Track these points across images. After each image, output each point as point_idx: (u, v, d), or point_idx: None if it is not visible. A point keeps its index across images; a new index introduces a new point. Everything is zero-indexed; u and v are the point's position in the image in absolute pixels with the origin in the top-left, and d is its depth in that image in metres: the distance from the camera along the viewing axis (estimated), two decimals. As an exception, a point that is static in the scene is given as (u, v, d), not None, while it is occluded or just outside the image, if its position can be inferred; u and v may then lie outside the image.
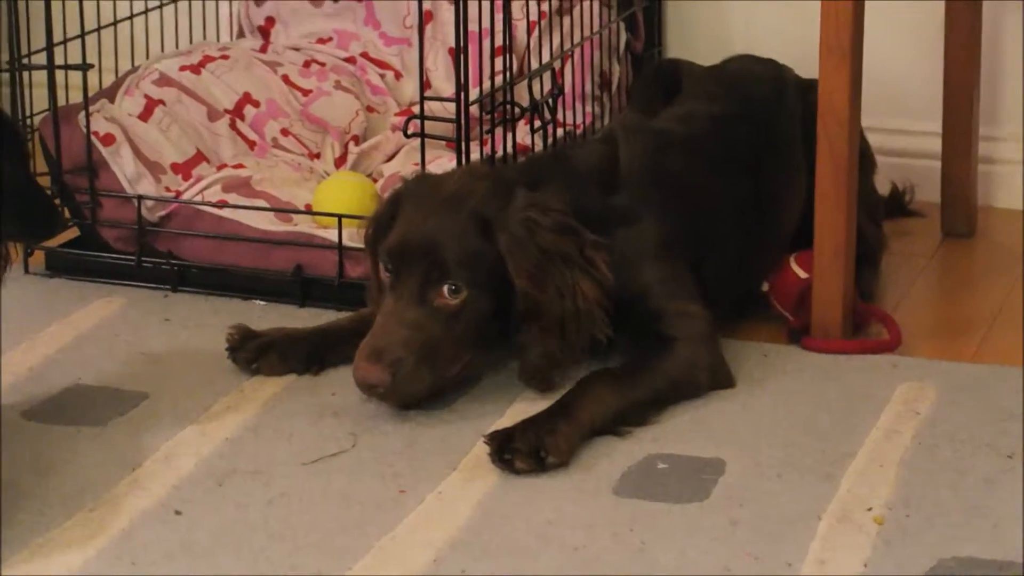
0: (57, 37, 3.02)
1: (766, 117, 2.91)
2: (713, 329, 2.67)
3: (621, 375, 2.59)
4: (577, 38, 3.24)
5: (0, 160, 2.30)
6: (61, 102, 3.06)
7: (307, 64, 3.40)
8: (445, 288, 2.56)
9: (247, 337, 2.71)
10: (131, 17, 3.28)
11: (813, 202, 2.78)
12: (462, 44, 2.82)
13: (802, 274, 2.83)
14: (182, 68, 3.26)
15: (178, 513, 2.32)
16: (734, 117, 2.89)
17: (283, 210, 3.03)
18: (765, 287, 2.87)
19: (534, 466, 2.41)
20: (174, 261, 3.02)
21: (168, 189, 3.08)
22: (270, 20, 3.52)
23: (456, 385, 2.63)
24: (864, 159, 2.94)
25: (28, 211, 2.38)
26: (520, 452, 2.41)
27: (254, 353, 2.69)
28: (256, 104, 3.28)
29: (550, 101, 3.12)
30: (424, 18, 3.09)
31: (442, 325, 2.56)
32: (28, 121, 3.08)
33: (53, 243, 3.07)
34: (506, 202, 2.58)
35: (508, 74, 2.99)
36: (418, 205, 2.61)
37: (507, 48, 2.98)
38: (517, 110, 3.02)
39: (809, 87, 2.91)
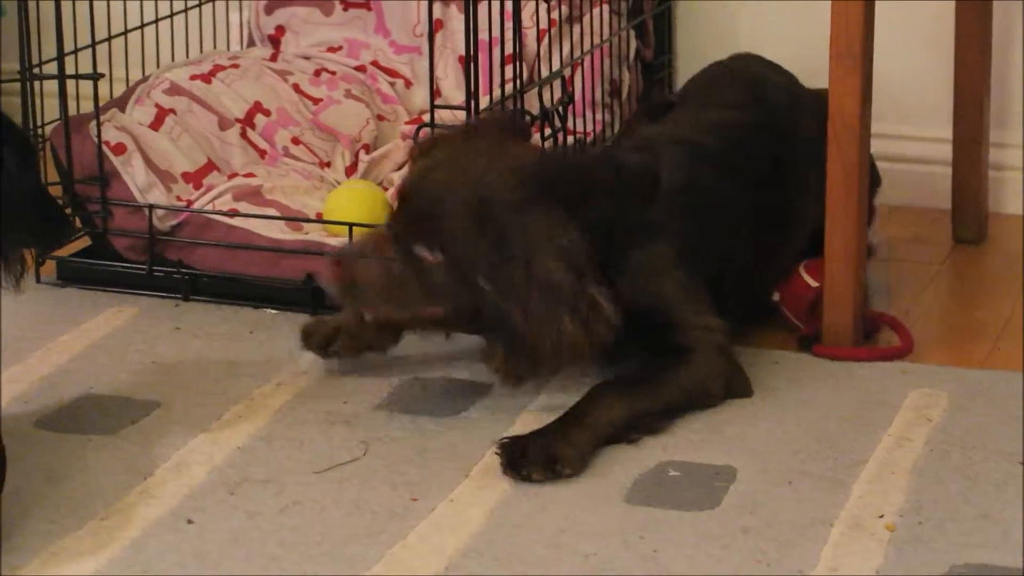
0: (68, 47, 3.03)
1: (787, 127, 2.90)
2: (729, 341, 2.66)
3: (633, 384, 2.58)
4: (587, 46, 3.25)
5: (10, 169, 2.31)
6: (72, 112, 3.06)
7: (317, 73, 3.40)
8: (427, 250, 2.54)
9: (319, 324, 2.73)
10: (142, 27, 3.28)
11: (823, 211, 2.78)
12: (472, 52, 2.83)
13: (813, 283, 2.83)
14: (192, 77, 3.27)
15: (190, 522, 2.32)
16: (760, 127, 2.87)
17: (294, 219, 3.03)
18: (776, 296, 2.87)
19: (548, 476, 2.41)
20: (185, 270, 3.02)
21: (179, 198, 3.09)
22: (280, 29, 3.52)
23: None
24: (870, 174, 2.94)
25: (38, 219, 2.38)
26: (535, 463, 2.42)
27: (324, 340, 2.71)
28: (267, 113, 3.28)
29: (560, 109, 3.12)
30: (434, 26, 3.10)
31: (414, 275, 2.55)
32: (39, 131, 3.08)
33: (64, 253, 3.08)
34: (527, 208, 2.52)
35: (518, 82, 2.99)
36: (449, 158, 2.59)
37: (517, 56, 2.98)
38: (528, 118, 3.03)
39: (816, 96, 2.91)
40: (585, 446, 2.47)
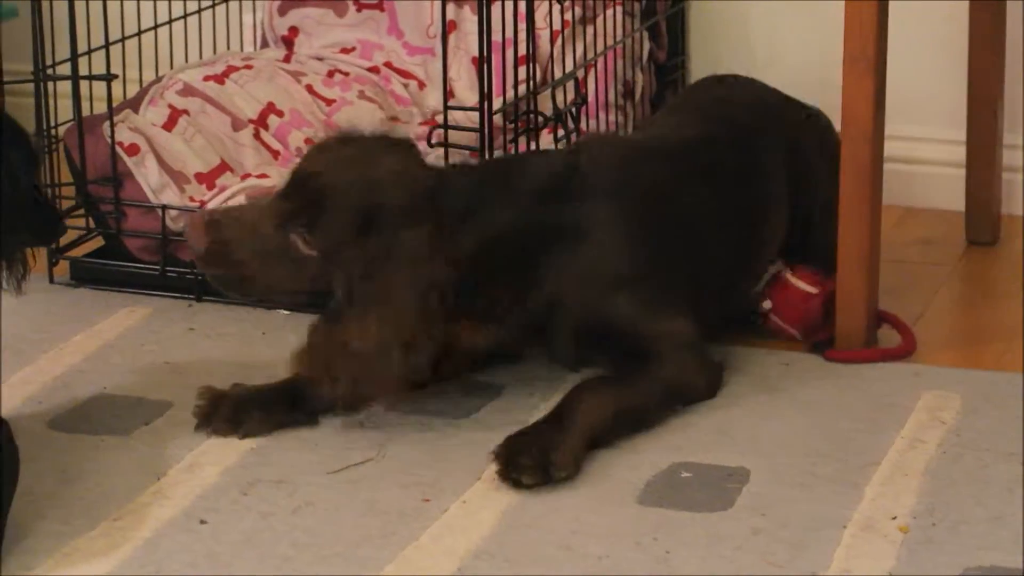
0: (81, 47, 3.03)
1: (745, 141, 2.86)
2: (697, 338, 2.65)
3: (614, 382, 2.58)
4: (600, 47, 3.25)
5: (13, 173, 2.31)
6: (85, 112, 3.07)
7: (330, 74, 3.41)
8: (302, 232, 2.55)
9: (216, 399, 2.60)
10: (155, 27, 3.29)
11: (794, 228, 2.81)
12: (485, 53, 2.83)
13: (812, 289, 2.82)
14: (206, 78, 3.27)
15: (203, 522, 2.33)
16: (711, 139, 2.84)
17: (307, 220, 3.03)
18: (767, 305, 2.85)
19: (542, 480, 2.40)
20: (198, 271, 3.02)
21: (192, 199, 3.09)
22: (293, 30, 3.53)
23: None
24: None
25: (34, 218, 2.39)
26: (527, 468, 2.41)
27: (230, 412, 2.58)
28: (280, 114, 3.28)
29: (573, 110, 3.12)
30: (447, 28, 3.10)
31: (285, 256, 2.56)
32: (52, 131, 3.09)
33: (77, 253, 3.09)
34: (408, 225, 2.52)
35: (531, 83, 2.99)
36: (340, 150, 2.61)
37: (530, 57, 2.98)
38: (540, 119, 3.03)
39: (796, 111, 2.93)
40: (577, 447, 2.46)
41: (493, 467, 2.43)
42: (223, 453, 2.50)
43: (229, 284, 2.62)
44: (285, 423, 2.57)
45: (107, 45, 3.07)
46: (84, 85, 3.05)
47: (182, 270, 3.02)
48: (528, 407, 2.62)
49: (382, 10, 3.49)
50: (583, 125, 3.19)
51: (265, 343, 2.86)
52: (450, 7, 3.36)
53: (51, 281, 3.09)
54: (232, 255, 2.57)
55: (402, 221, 2.53)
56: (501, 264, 2.59)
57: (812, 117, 2.99)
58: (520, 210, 2.61)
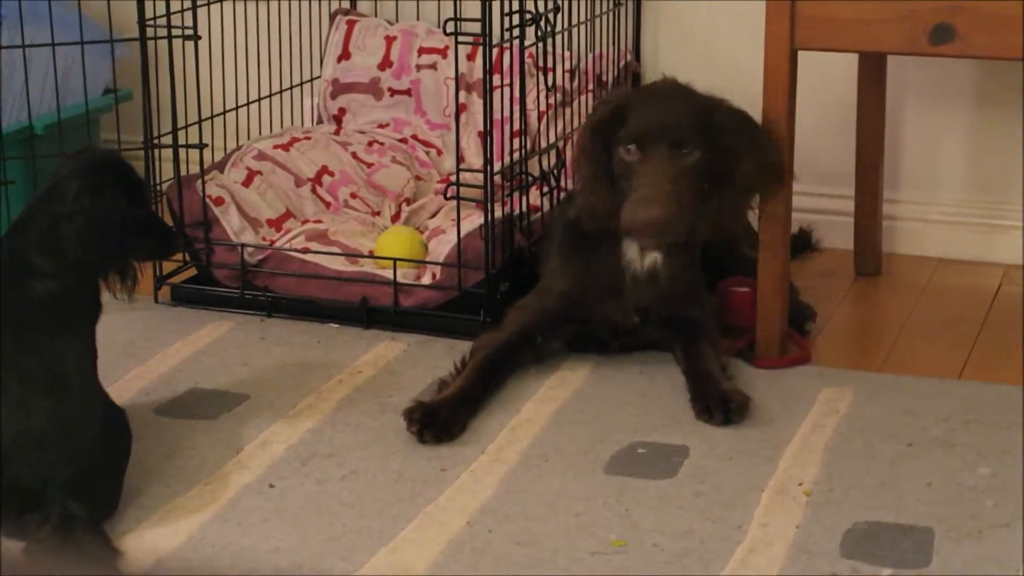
0: (180, 123, 3.03)
1: None
2: None
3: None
4: (576, 124, 3.24)
5: (128, 202, 2.31)
6: (183, 172, 3.07)
7: (370, 144, 3.40)
8: (684, 151, 2.57)
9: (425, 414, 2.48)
10: (236, 108, 3.29)
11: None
12: (488, 128, 2.83)
13: (745, 288, 2.83)
14: (275, 147, 3.27)
15: (272, 486, 2.32)
16: None
17: (352, 255, 3.03)
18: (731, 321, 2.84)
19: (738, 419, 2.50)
20: (269, 294, 3.02)
21: (264, 239, 3.09)
22: (342, 110, 3.53)
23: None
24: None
25: (153, 238, 2.38)
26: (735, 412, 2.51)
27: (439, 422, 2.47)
28: (332, 174, 3.28)
29: (555, 172, 3.12)
30: (460, 109, 3.10)
31: (685, 178, 2.56)
32: (157, 187, 3.08)
33: (177, 280, 3.08)
34: (711, 100, 2.64)
35: (523, 151, 2.99)
36: (648, 102, 2.64)
37: (522, 131, 2.98)
38: (530, 178, 3.03)
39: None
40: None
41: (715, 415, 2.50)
42: (288, 434, 2.49)
43: (678, 233, 2.58)
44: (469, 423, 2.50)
45: (200, 121, 3.07)
46: (182, 152, 3.04)
47: (257, 293, 3.02)
48: (522, 397, 2.61)
49: (410, 95, 3.48)
50: (563, 183, 3.19)
51: (321, 349, 2.85)
52: (461, 93, 3.36)
53: (156, 301, 3.08)
54: (671, 209, 2.53)
55: (725, 105, 2.64)
56: None
57: None
58: None
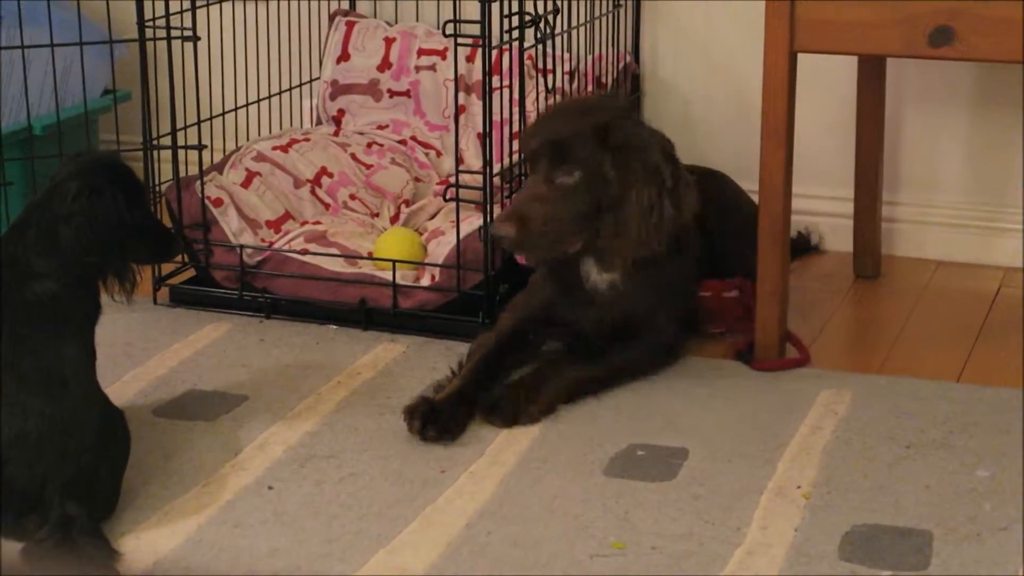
0: (179, 124, 3.03)
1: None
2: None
3: (589, 360, 2.63)
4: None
5: (128, 204, 2.31)
6: (182, 174, 3.07)
7: (369, 145, 3.41)
8: (564, 170, 2.55)
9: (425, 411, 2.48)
10: (235, 109, 3.29)
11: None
12: (488, 130, 2.83)
13: (734, 293, 2.83)
14: (274, 148, 3.27)
15: (270, 488, 2.32)
16: None
17: (351, 256, 3.03)
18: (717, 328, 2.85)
19: (510, 425, 2.49)
20: (268, 295, 3.02)
21: (263, 240, 3.09)
22: (341, 112, 3.53)
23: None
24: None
25: (153, 240, 2.38)
26: (499, 417, 2.48)
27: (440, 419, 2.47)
28: (331, 175, 3.28)
29: (555, 174, 3.11)
30: (459, 110, 3.10)
31: (561, 199, 2.54)
32: (157, 188, 3.08)
33: (175, 281, 3.08)
34: (625, 120, 2.59)
35: (522, 153, 2.99)
36: (543, 119, 2.64)
37: (522, 133, 2.98)
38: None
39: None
40: (543, 406, 2.52)
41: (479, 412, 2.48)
42: (286, 435, 2.49)
43: (541, 250, 2.59)
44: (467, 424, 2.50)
45: (199, 122, 3.07)
46: (181, 153, 3.04)
47: (256, 294, 3.02)
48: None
49: (409, 97, 3.49)
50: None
51: (319, 350, 2.85)
52: (460, 94, 3.37)
53: (155, 302, 3.08)
54: (532, 226, 2.53)
55: (623, 118, 2.58)
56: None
57: (711, 177, 3.01)
58: None
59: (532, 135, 2.64)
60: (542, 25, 2.93)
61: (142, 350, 2.83)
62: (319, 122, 3.56)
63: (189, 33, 2.95)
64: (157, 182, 3.09)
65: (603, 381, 2.62)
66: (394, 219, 3.25)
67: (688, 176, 2.60)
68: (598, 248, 2.61)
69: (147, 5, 2.96)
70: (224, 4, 3.36)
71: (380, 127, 3.49)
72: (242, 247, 3.03)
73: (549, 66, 3.08)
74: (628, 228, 2.57)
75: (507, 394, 2.52)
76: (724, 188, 3.05)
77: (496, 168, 2.91)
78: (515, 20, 2.84)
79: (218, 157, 3.28)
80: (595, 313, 2.69)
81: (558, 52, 3.17)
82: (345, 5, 3.61)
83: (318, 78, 3.54)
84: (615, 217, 2.57)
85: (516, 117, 2.95)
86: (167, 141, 3.03)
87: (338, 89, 3.51)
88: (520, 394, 2.52)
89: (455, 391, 2.53)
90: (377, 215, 3.27)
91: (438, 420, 2.45)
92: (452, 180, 2.95)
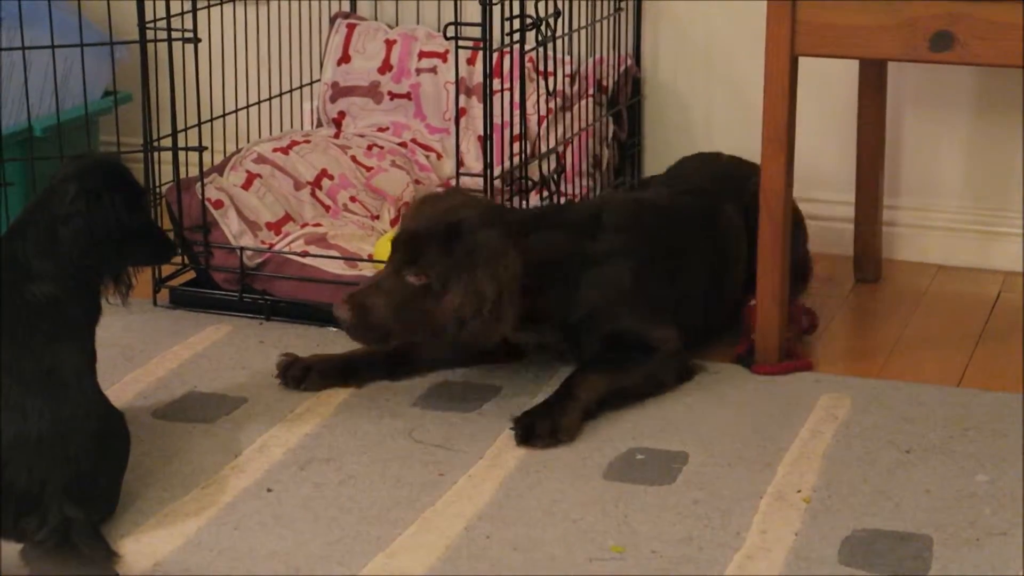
0: (179, 126, 3.03)
1: (715, 203, 2.87)
2: (679, 343, 2.66)
3: (610, 368, 2.59)
4: (575, 129, 3.25)
5: (121, 211, 2.31)
6: (182, 175, 3.07)
7: (370, 147, 3.41)
8: (413, 272, 2.53)
9: (293, 362, 2.68)
10: (236, 111, 3.29)
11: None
12: (488, 133, 2.83)
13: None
14: (275, 150, 3.27)
15: (270, 491, 2.32)
16: (693, 199, 2.86)
17: (351, 258, 3.03)
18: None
19: (553, 444, 2.44)
20: (268, 297, 3.02)
21: (263, 242, 3.09)
22: (342, 114, 3.53)
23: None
24: (799, 227, 2.94)
25: (149, 243, 2.38)
26: (542, 437, 2.44)
27: (300, 373, 2.66)
28: (331, 177, 3.28)
29: (555, 177, 3.12)
30: (460, 113, 3.11)
31: (402, 298, 2.52)
32: (157, 190, 3.08)
33: (175, 283, 3.08)
34: (482, 228, 2.52)
35: (523, 156, 3.00)
36: (422, 209, 2.60)
37: (522, 136, 2.98)
38: (530, 183, 3.03)
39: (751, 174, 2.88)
40: (577, 418, 2.48)
41: (513, 433, 2.45)
42: (286, 437, 2.49)
43: (373, 340, 2.60)
44: (335, 384, 2.63)
45: (199, 124, 3.07)
46: (182, 155, 3.04)
47: (256, 296, 3.02)
48: (521, 404, 2.60)
49: (410, 99, 3.49)
50: (562, 188, 3.19)
51: (319, 352, 2.84)
52: (461, 97, 3.37)
53: (155, 304, 3.08)
54: (372, 318, 2.52)
55: (478, 227, 2.52)
56: (548, 277, 2.60)
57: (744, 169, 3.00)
58: (561, 240, 2.63)
59: (403, 222, 2.63)
60: (543, 28, 2.93)
61: (142, 352, 2.83)
62: (319, 124, 3.56)
63: (190, 35, 2.95)
64: (157, 184, 3.09)
65: (630, 392, 2.60)
66: (394, 221, 3.25)
67: (506, 304, 2.50)
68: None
69: (148, 6, 2.96)
70: (225, 6, 3.37)
71: (381, 129, 3.49)
72: (242, 249, 3.03)
73: (550, 69, 3.08)
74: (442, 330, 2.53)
75: (540, 413, 2.49)
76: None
77: (496, 171, 2.91)
78: (516, 23, 2.84)
79: (218, 159, 3.28)
80: (552, 344, 2.70)
81: (559, 55, 3.17)
82: (346, 7, 3.61)
83: (319, 80, 3.54)
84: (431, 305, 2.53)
85: (517, 120, 2.95)
86: (167, 143, 3.03)
87: (339, 91, 3.51)
88: (553, 411, 2.49)
89: (343, 359, 2.66)
90: (377, 217, 3.27)
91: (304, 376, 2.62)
92: (452, 182, 2.95)
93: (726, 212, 2.86)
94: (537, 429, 2.45)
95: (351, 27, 3.53)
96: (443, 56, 3.45)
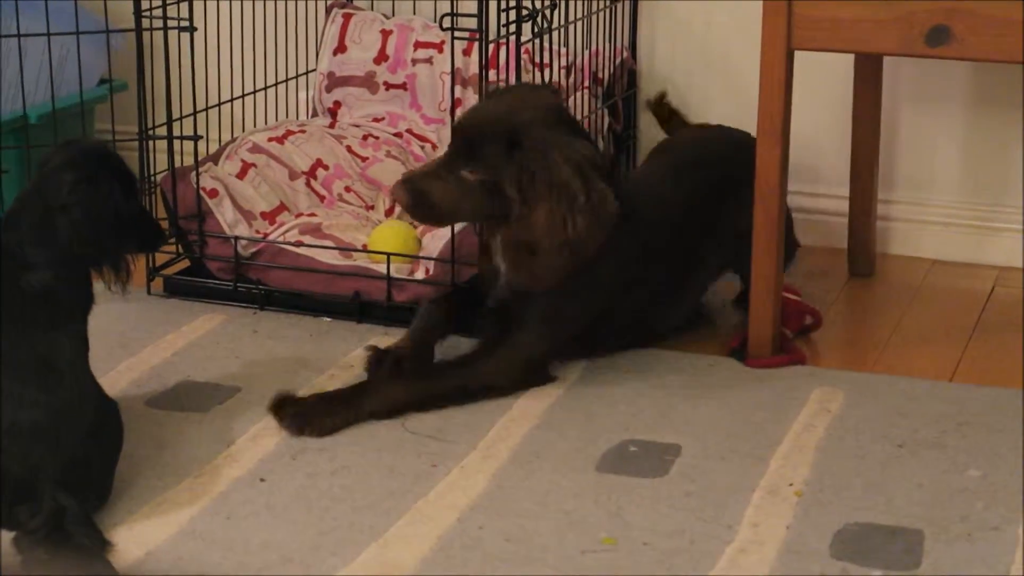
0: (175, 114, 3.03)
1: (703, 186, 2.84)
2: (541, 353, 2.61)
3: (424, 379, 2.56)
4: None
5: (117, 199, 2.31)
6: (177, 164, 3.06)
7: (365, 137, 3.40)
8: (468, 168, 2.53)
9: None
10: (231, 100, 3.29)
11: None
12: (484, 124, 2.82)
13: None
14: (270, 139, 3.27)
15: (262, 480, 2.33)
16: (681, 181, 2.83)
17: (345, 249, 3.03)
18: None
19: (296, 433, 2.42)
20: (262, 287, 3.02)
21: (258, 232, 3.09)
22: (337, 104, 3.53)
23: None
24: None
25: (142, 232, 2.38)
26: (289, 428, 2.43)
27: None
28: (326, 167, 3.28)
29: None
30: (455, 103, 3.09)
31: (457, 190, 2.53)
32: (152, 179, 3.08)
33: (170, 272, 3.08)
34: (539, 128, 2.52)
35: (519, 147, 2.99)
36: (485, 102, 2.61)
37: (518, 128, 2.97)
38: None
39: (743, 145, 2.84)
40: (342, 422, 2.46)
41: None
42: (279, 428, 2.49)
43: (433, 220, 2.62)
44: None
45: (195, 113, 3.07)
46: (177, 144, 3.04)
47: (250, 286, 3.02)
48: (515, 398, 2.61)
49: (405, 89, 3.48)
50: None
51: (313, 343, 2.85)
52: (457, 88, 3.36)
53: (149, 293, 3.08)
54: (429, 200, 2.54)
55: (542, 129, 2.51)
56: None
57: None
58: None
59: (462, 120, 2.61)
60: (539, 19, 2.92)
61: (135, 340, 2.83)
62: (315, 114, 3.55)
63: (186, 23, 2.95)
64: (152, 172, 3.09)
65: (428, 403, 2.53)
66: (389, 212, 3.25)
67: (605, 192, 2.49)
68: (503, 244, 2.56)
69: (144, -5, 2.96)
70: (221, -5, 3.36)
71: (376, 120, 3.48)
72: (237, 238, 3.03)
73: (546, 61, 3.08)
74: (529, 252, 2.51)
75: (316, 403, 2.47)
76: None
77: (492, 162, 2.90)
78: (512, 14, 2.84)
79: (214, 148, 3.27)
80: (495, 289, 2.66)
81: (555, 47, 3.17)
82: (342, -3, 3.61)
83: (314, 70, 3.54)
84: (519, 234, 2.51)
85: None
86: (163, 131, 3.03)
87: (334, 81, 3.51)
88: (323, 407, 2.47)
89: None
90: (372, 208, 3.27)
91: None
92: (448, 174, 2.94)
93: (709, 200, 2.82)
94: (284, 414, 2.44)
95: (347, 17, 3.52)
96: (439, 47, 3.45)
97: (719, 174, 2.87)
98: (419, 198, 2.55)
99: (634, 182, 2.90)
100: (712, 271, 2.87)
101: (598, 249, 2.54)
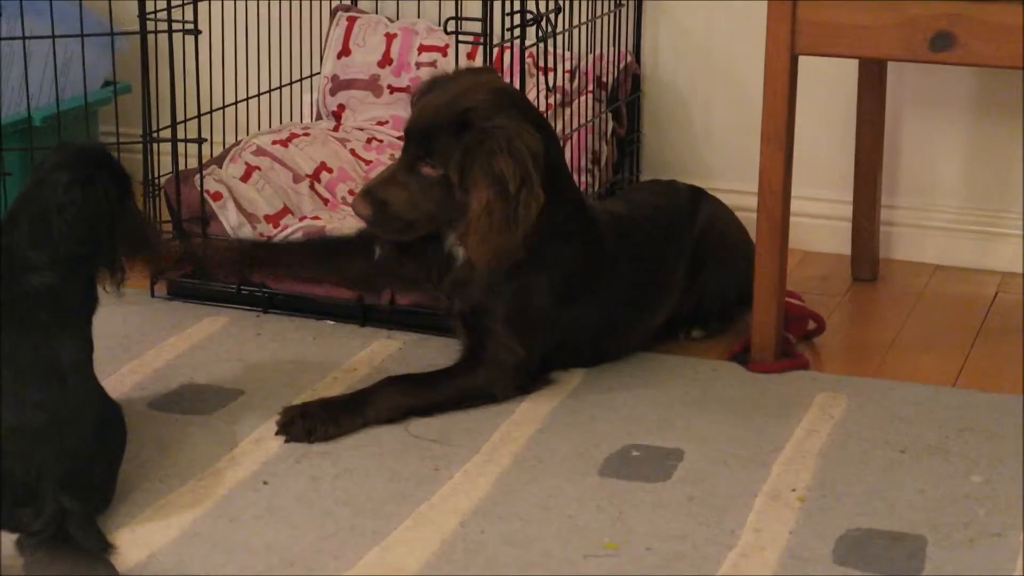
0: (179, 117, 3.03)
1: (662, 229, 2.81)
2: (526, 362, 2.59)
3: (421, 385, 2.55)
4: (575, 125, 3.25)
5: (112, 201, 2.31)
6: (181, 167, 3.07)
7: (369, 141, 3.41)
8: (427, 163, 2.51)
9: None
10: (236, 103, 3.29)
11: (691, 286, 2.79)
12: (488, 128, 2.82)
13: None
14: (274, 142, 3.27)
15: (265, 483, 2.33)
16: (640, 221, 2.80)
17: (349, 252, 3.03)
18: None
19: (304, 440, 2.42)
20: (265, 290, 3.02)
21: (262, 235, 3.08)
22: (341, 107, 3.53)
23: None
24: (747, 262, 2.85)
25: (137, 234, 2.38)
26: (297, 438, 2.42)
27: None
28: (330, 171, 3.28)
29: (554, 172, 3.11)
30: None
31: (419, 191, 2.51)
32: (156, 181, 3.08)
33: (174, 274, 3.08)
34: (495, 114, 2.49)
35: (523, 151, 2.98)
36: (432, 94, 2.57)
37: (522, 132, 2.97)
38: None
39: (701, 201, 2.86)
40: (347, 428, 2.45)
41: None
42: (286, 441, 2.49)
43: (395, 233, 2.57)
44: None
45: (199, 115, 3.06)
46: (181, 146, 3.04)
47: (253, 288, 3.02)
48: (516, 402, 2.61)
49: (409, 93, 3.48)
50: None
51: (316, 345, 2.85)
52: (461, 91, 3.37)
53: (152, 295, 3.08)
54: (389, 210, 2.52)
55: (490, 113, 2.49)
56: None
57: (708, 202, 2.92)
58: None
59: (413, 112, 2.57)
60: (543, 23, 2.93)
61: (139, 343, 2.83)
62: (319, 117, 3.55)
63: (190, 26, 2.95)
64: (156, 175, 3.09)
65: (427, 410, 2.53)
66: (393, 215, 3.25)
67: (534, 182, 2.45)
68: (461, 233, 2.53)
69: (149, -2, 2.97)
70: (226, -2, 3.37)
71: (380, 123, 3.49)
72: (240, 241, 3.02)
73: (550, 64, 3.08)
74: (469, 237, 2.49)
75: (318, 411, 2.46)
76: (710, 212, 2.89)
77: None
78: (516, 18, 2.84)
79: (218, 151, 3.27)
80: (449, 285, 2.64)
81: (559, 51, 3.17)
82: (347, 1, 3.61)
83: (318, 73, 3.54)
84: (464, 221, 2.50)
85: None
86: (167, 134, 3.03)
87: (338, 84, 3.51)
88: (323, 415, 2.46)
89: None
90: (376, 211, 3.27)
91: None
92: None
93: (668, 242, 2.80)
94: (294, 431, 2.43)
95: (351, 20, 3.53)
96: (443, 50, 3.45)
97: (667, 219, 2.82)
98: (380, 208, 2.51)
99: (594, 207, 2.85)
100: (658, 312, 2.80)
101: (544, 246, 2.53)
